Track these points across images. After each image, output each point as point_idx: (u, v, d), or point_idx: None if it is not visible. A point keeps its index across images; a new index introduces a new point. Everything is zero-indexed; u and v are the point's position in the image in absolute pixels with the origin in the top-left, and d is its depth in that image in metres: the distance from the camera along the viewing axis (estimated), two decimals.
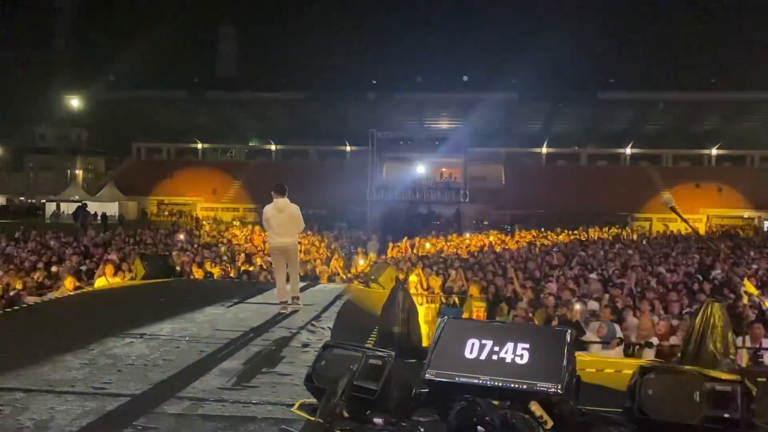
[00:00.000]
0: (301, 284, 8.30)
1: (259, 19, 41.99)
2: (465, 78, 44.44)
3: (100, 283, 10.33)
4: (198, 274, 11.94)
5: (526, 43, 38.13)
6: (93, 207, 35.92)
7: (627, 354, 7.30)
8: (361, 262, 14.10)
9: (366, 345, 4.79)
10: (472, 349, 3.79)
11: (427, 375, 3.78)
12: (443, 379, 3.72)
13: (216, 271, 12.41)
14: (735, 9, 34.54)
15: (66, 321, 6.70)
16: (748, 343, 6.86)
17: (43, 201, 46.89)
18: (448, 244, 21.37)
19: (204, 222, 33.98)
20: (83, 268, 12.06)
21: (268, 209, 7.60)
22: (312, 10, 42.58)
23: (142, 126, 54.13)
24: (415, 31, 40.24)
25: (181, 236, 19.99)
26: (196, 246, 17.85)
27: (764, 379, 4.90)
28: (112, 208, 42.69)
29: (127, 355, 5.15)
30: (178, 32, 38.88)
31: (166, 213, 43.46)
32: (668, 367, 3.87)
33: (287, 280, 7.61)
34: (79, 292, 9.45)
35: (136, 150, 56.72)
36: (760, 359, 7.07)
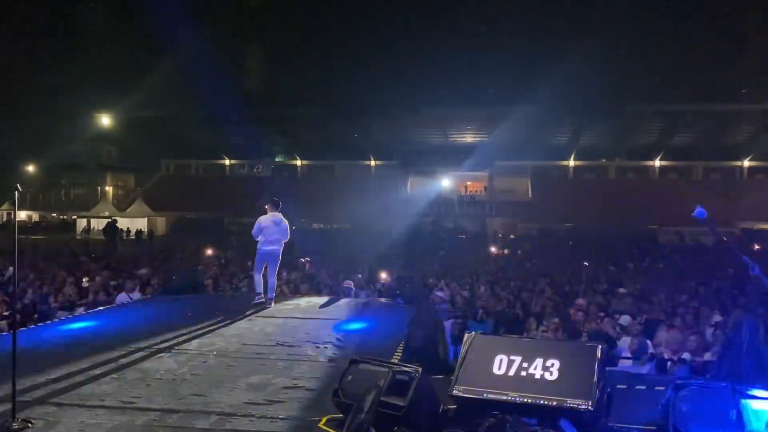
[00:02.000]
0: (327, 299, 8.96)
1: (285, 35, 42.47)
2: (490, 91, 44.27)
3: (122, 298, 10.48)
4: (226, 289, 12.04)
5: (552, 55, 37.88)
6: (123, 223, 36.58)
7: (659, 370, 7.14)
8: (384, 276, 14.04)
9: (392, 360, 4.76)
10: (500, 365, 3.76)
11: (454, 391, 3.74)
12: (471, 396, 3.68)
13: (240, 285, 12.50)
14: (764, 19, 33.96)
15: (96, 335, 6.79)
16: None
17: (75, 217, 47.81)
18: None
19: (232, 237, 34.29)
20: (113, 283, 12.22)
21: (265, 219, 8.80)
22: (337, 24, 42.93)
23: (171, 143, 55.03)
24: (440, 44, 40.27)
25: (209, 251, 20.18)
26: (224, 261, 18.01)
27: None
28: (141, 224, 43.38)
29: (155, 369, 5.19)
30: (204, 49, 39.43)
31: (195, 228, 43.99)
32: (703, 383, 3.78)
33: (266, 281, 8.80)
34: (107, 307, 9.59)
35: (165, 166, 57.66)
36: None
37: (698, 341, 7.67)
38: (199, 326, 7.03)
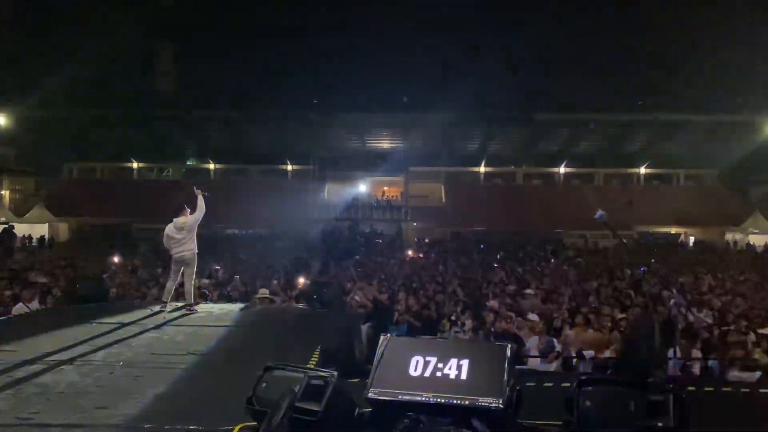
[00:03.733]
0: (240, 305, 8.48)
1: (199, 36, 41.37)
2: (405, 98, 44.95)
3: (19, 308, 9.87)
4: (131, 296, 11.55)
5: (464, 64, 38.96)
6: (21, 229, 34.38)
7: (565, 367, 7.47)
8: (300, 282, 13.94)
9: (308, 366, 4.72)
10: (415, 366, 3.79)
11: (370, 394, 3.75)
12: (387, 398, 3.70)
13: (150, 294, 12.04)
14: (661, 32, 36.37)
15: None
16: (678, 355, 7.14)
17: None
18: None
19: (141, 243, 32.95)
20: (8, 293, 11.47)
21: (170, 227, 8.71)
22: (253, 28, 42.28)
23: (75, 145, 52.26)
24: (357, 51, 40.51)
25: (116, 259, 19.30)
26: (131, 268, 17.29)
27: (694, 389, 5.10)
28: (41, 230, 40.90)
29: (56, 382, 4.91)
30: (113, 48, 37.77)
31: (100, 234, 41.96)
32: (604, 378, 3.98)
33: (182, 285, 8.71)
34: (2, 318, 8.99)
35: (68, 170, 54.71)
36: (690, 369, 7.37)
37: (600, 339, 8.08)
38: (104, 336, 6.71)
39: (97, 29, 38.37)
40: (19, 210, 46.02)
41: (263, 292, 11.39)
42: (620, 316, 9.41)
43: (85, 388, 4.76)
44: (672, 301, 6.53)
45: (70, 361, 5.61)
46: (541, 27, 38.12)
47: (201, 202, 9.02)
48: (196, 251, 8.87)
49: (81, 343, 6.33)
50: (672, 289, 12.51)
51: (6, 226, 27.41)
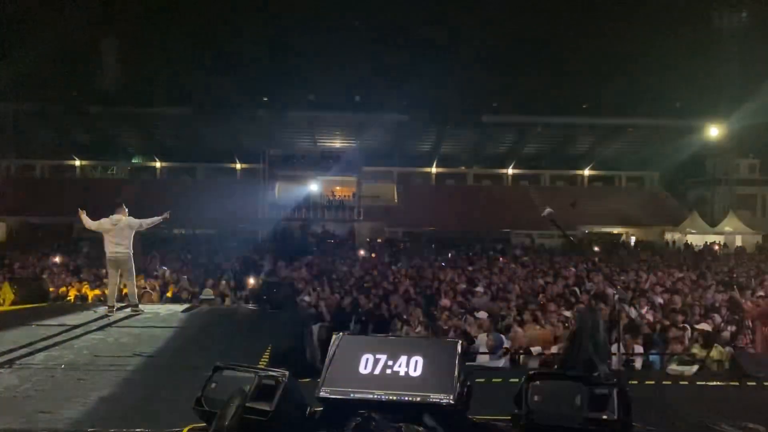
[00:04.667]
0: (186, 306, 8.40)
1: (144, 31, 40.33)
2: (357, 98, 44.92)
3: None
4: (72, 296, 11.19)
5: (417, 66, 39.21)
6: None
7: (513, 363, 7.62)
8: (251, 282, 13.77)
9: (258, 366, 4.67)
10: (366, 364, 3.81)
11: (321, 393, 3.74)
12: (338, 396, 3.70)
13: (93, 294, 11.69)
14: (604, 37, 37.41)
15: None
16: (621, 350, 7.36)
17: None
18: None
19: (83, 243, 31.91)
20: None
21: (104, 222, 8.48)
22: (201, 23, 41.48)
23: (13, 141, 50.18)
24: (308, 49, 40.23)
25: (57, 259, 18.65)
26: (73, 268, 16.73)
27: (636, 382, 5.28)
28: None
29: None
30: (54, 42, 36.43)
31: (39, 234, 40.43)
32: (552, 373, 4.08)
33: (121, 288, 8.65)
34: None
35: (5, 167, 52.52)
36: (632, 363, 7.61)
37: (547, 335, 8.27)
38: (44, 339, 6.47)
39: (38, 20, 36.97)
40: None
41: (207, 293, 11.26)
42: (566, 313, 9.65)
43: (24, 392, 4.59)
44: (616, 297, 6.74)
45: (9, 364, 5.40)
46: (492, 29, 38.70)
47: (155, 219, 8.76)
48: (131, 252, 8.66)
49: (20, 346, 6.09)
50: (616, 285, 12.90)
51: None
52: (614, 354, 5.80)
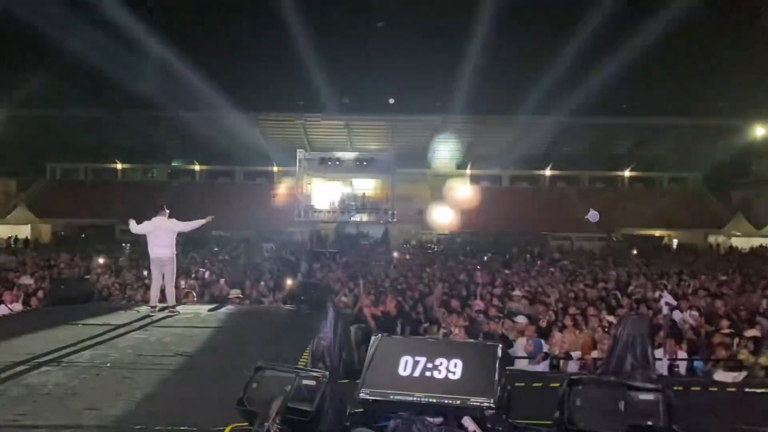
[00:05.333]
0: (229, 307, 8.50)
1: (183, 36, 41.11)
2: (391, 100, 44.98)
3: (1, 310, 9.77)
4: (118, 297, 11.46)
5: (452, 67, 39.07)
6: (3, 231, 33.92)
7: (552, 368, 7.51)
8: (288, 283, 13.89)
9: (298, 366, 4.71)
10: (405, 366, 3.80)
11: (361, 394, 3.75)
12: (378, 398, 3.70)
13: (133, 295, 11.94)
14: (646, 35, 36.67)
15: None
16: (664, 355, 7.20)
17: None
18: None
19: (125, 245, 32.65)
20: None
21: (148, 225, 8.62)
22: (238, 27, 42.14)
23: (58, 145, 51.68)
24: (342, 52, 40.51)
25: (101, 260, 19.12)
26: (115, 269, 17.13)
27: (680, 388, 5.15)
28: (24, 232, 40.43)
29: (42, 384, 4.85)
30: (97, 47, 37.40)
31: (83, 236, 41.54)
32: (594, 378, 4.01)
33: (163, 289, 8.69)
34: None
35: (51, 170, 54.11)
36: (676, 369, 7.44)
37: (587, 340, 8.13)
38: (90, 338, 6.64)
39: (82, 28, 37.97)
40: (1, 211, 45.48)
41: (235, 293, 11.48)
42: (607, 317, 9.47)
43: (72, 389, 4.71)
44: (662, 301, 6.59)
45: (56, 362, 5.56)
46: (526, 27, 38.36)
47: (198, 222, 8.88)
48: (174, 253, 8.85)
49: (67, 344, 6.26)
50: (662, 289, 12.63)
51: None
52: (658, 359, 5.68)
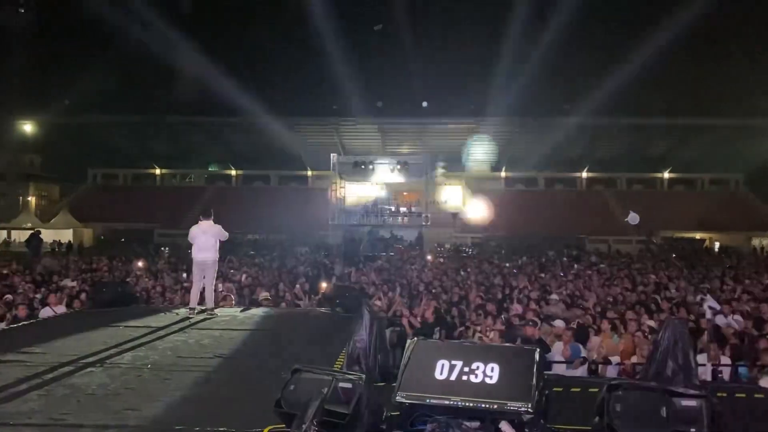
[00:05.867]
0: (265, 310, 8.57)
1: (220, 42, 41.85)
2: (425, 104, 44.98)
3: (46, 312, 10.05)
4: (157, 300, 11.68)
5: (486, 69, 38.92)
6: (47, 234, 34.89)
7: (591, 373, 7.40)
8: (323, 286, 13.98)
9: (334, 369, 4.73)
10: (442, 369, 3.79)
11: (398, 397, 3.75)
12: (414, 401, 3.70)
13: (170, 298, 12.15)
14: (685, 36, 35.95)
15: (20, 351, 6.44)
16: (707, 360, 7.03)
17: None
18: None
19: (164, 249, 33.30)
20: (37, 296, 11.67)
21: (194, 229, 8.87)
22: (272, 33, 42.67)
23: (98, 151, 53.04)
24: (376, 56, 40.68)
25: (140, 263, 19.53)
26: (155, 272, 17.47)
27: (724, 395, 5.02)
28: (66, 236, 41.53)
29: (86, 384, 4.98)
30: (134, 55, 38.35)
31: (123, 240, 42.48)
32: (635, 383, 3.93)
33: (203, 291, 8.85)
34: (32, 321, 9.15)
35: (92, 176, 55.51)
36: (719, 375, 7.25)
37: (627, 345, 7.98)
38: (130, 340, 6.79)
39: (119, 38, 38.97)
40: (45, 216, 46.81)
41: (264, 296, 11.62)
42: (647, 322, 9.28)
43: (114, 390, 4.82)
44: (705, 305, 6.42)
45: (99, 363, 5.69)
46: (563, 31, 37.91)
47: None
48: (217, 258, 9.06)
49: (109, 346, 6.41)
50: (704, 292, 12.34)
51: (34, 231, 27.79)
52: (701, 365, 5.54)
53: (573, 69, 40.03)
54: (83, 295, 11.46)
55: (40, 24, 43.12)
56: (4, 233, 43.02)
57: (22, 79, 42.44)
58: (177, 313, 8.80)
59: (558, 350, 7.92)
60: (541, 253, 28.45)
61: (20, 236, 37.45)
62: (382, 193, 44.20)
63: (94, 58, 40.94)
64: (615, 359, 7.70)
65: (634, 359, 7.60)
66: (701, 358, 6.80)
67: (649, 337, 7.96)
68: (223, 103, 42.31)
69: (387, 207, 42.57)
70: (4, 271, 16.58)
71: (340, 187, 43.38)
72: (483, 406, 3.56)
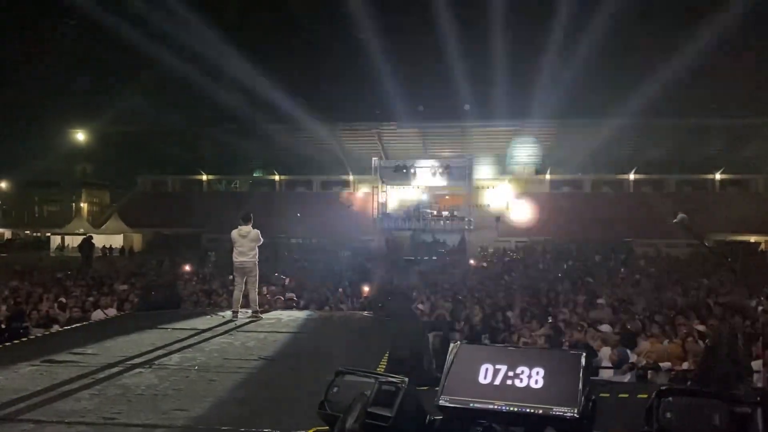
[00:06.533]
0: (309, 313, 8.63)
1: (262, 50, 42.54)
2: (467, 107, 44.76)
3: (98, 315, 10.36)
4: (204, 303, 11.92)
5: (528, 70, 38.51)
6: (98, 239, 36.03)
7: (639, 379, 7.21)
8: (365, 289, 14.03)
9: (377, 372, 4.73)
10: (486, 374, 3.75)
11: (441, 401, 3.72)
12: (458, 405, 3.67)
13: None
14: (735, 35, 34.93)
15: (73, 352, 6.65)
16: (762, 367, 6.77)
17: (48, 234, 46.99)
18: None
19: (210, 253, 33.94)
20: (90, 299, 12.04)
21: (234, 233, 9.06)
22: (312, 39, 43.17)
23: (147, 159, 54.55)
24: (417, 60, 40.72)
25: (188, 267, 19.97)
26: (202, 276, 17.84)
27: None
28: (117, 241, 42.77)
29: (136, 384, 5.11)
30: (181, 64, 39.33)
31: (171, 244, 43.50)
32: (686, 389, 3.81)
33: (247, 295, 8.99)
34: (84, 323, 9.44)
35: (141, 182, 57.09)
36: None
37: (677, 350, 7.77)
38: (178, 341, 6.94)
39: (167, 48, 40.00)
40: (96, 221, 48.37)
41: (290, 295, 11.76)
42: (699, 327, 9.00)
43: (163, 391, 4.93)
44: (760, 309, 6.18)
45: (148, 364, 5.83)
46: (602, 29, 37.28)
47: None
48: (257, 261, 9.19)
49: (157, 347, 6.57)
50: (760, 297, 11.91)
51: (86, 236, 28.75)
52: (756, 371, 5.34)
53: (620, 68, 39.27)
54: (133, 298, 11.78)
55: (92, 36, 44.61)
56: (58, 239, 44.59)
57: (75, 90, 44.02)
58: (223, 316, 8.95)
59: (605, 355, 7.75)
60: (588, 257, 27.95)
61: (73, 241, 38.76)
62: (424, 196, 44.12)
63: (143, 68, 42.16)
64: (665, 365, 7.48)
65: (685, 365, 7.38)
66: (756, 364, 6.56)
67: (701, 342, 7.72)
68: (267, 109, 43.04)
69: (429, 211, 42.43)
70: (59, 276, 17.18)
71: (382, 191, 43.48)
72: (527, 410, 3.50)
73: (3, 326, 9.11)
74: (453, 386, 3.78)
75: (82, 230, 40.25)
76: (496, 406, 3.55)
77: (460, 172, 42.32)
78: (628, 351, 7.72)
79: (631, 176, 49.88)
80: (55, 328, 9.30)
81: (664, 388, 3.60)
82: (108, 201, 58.05)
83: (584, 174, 50.14)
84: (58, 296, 12.34)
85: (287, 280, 16.01)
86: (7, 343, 7.39)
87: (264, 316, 9.07)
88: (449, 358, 3.96)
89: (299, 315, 9.46)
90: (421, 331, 5.83)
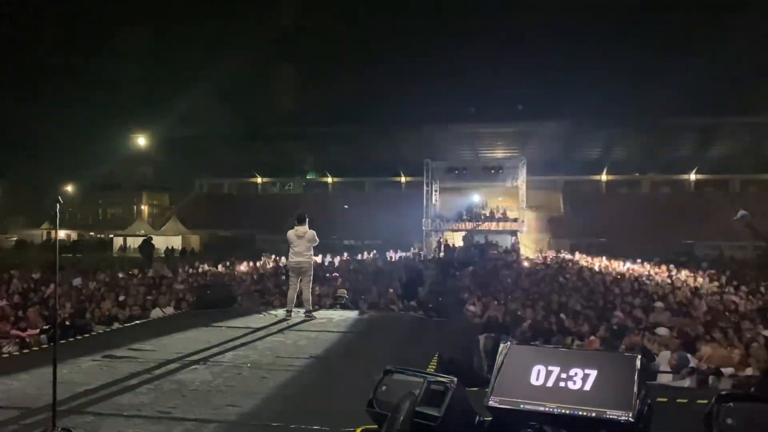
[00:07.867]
0: (360, 313, 8.99)
1: (315, 54, 43.08)
2: (520, 107, 44.18)
3: (156, 313, 10.68)
4: (259, 304, 12.13)
5: (582, 69, 37.71)
6: (158, 241, 37.18)
7: (700, 384, 6.95)
8: (418, 291, 13.99)
9: (427, 371, 4.71)
10: (537, 375, 3.68)
11: (490, 402, 3.67)
12: (508, 406, 3.61)
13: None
14: None
15: (132, 348, 6.87)
16: None
17: (111, 236, 48.76)
18: None
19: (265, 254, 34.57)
20: (149, 298, 12.43)
21: (290, 234, 9.13)
22: (365, 43, 43.42)
23: (205, 162, 55.98)
24: (469, 61, 40.43)
25: (243, 267, 20.39)
26: (255, 276, 18.17)
27: None
28: (175, 242, 44.02)
29: (191, 380, 5.23)
30: (237, 69, 40.20)
31: (227, 245, 44.46)
32: (749, 395, 3.65)
33: (300, 294, 9.08)
34: (143, 320, 9.75)
35: (199, 185, 58.59)
36: None
37: (740, 355, 7.46)
38: (232, 339, 7.09)
39: (222, 54, 40.99)
40: (156, 223, 49.91)
41: (341, 293, 12.09)
42: (765, 332, 8.60)
43: (216, 387, 5.04)
44: None
45: (203, 361, 5.97)
46: (667, 29, 36.15)
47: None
48: (312, 261, 9.32)
49: (212, 345, 6.72)
50: None
51: (146, 238, 29.71)
52: None
53: (682, 66, 37.93)
54: (190, 297, 12.10)
55: (153, 44, 46.12)
56: (121, 240, 46.22)
57: (137, 96, 45.60)
58: (276, 315, 9.09)
59: (664, 359, 7.50)
60: (646, 259, 27.13)
61: (134, 243, 40.10)
62: (476, 198, 43.73)
63: (201, 74, 43.30)
64: (727, 370, 7.19)
65: (748, 371, 7.07)
66: None
67: (766, 348, 7.38)
68: (320, 113, 43.57)
69: (481, 212, 42.02)
70: (120, 275, 17.80)
71: (434, 193, 43.30)
72: (580, 413, 3.42)
73: (67, 323, 9.48)
74: (503, 387, 3.72)
75: (142, 232, 41.60)
76: (547, 408, 3.48)
77: (513, 173, 41.76)
78: (688, 355, 7.45)
79: (692, 176, 48.19)
80: (116, 325, 9.63)
81: (724, 393, 3.46)
82: (167, 203, 59.80)
83: (642, 174, 48.74)
84: (119, 295, 12.77)
85: (339, 281, 16.13)
86: (70, 339, 7.69)
87: (317, 315, 9.16)
88: (499, 358, 3.90)
89: (350, 315, 9.51)
90: (470, 332, 5.78)
